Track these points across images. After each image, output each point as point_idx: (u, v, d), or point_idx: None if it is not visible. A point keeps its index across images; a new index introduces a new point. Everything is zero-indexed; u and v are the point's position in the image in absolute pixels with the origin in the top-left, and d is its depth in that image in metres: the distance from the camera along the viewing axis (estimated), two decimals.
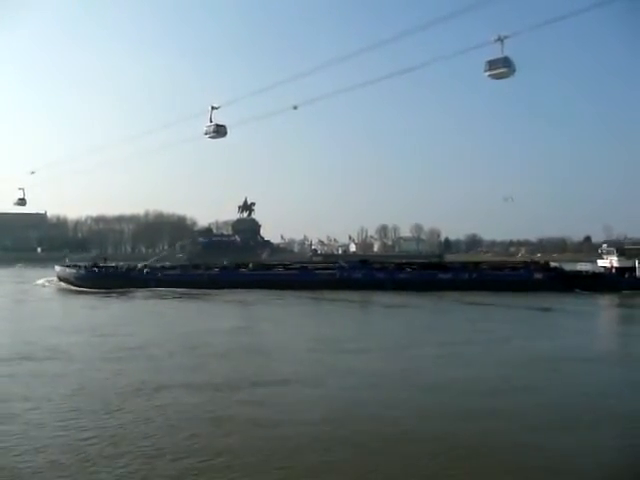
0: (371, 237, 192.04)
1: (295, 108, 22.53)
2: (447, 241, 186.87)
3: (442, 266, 55.59)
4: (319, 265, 58.55)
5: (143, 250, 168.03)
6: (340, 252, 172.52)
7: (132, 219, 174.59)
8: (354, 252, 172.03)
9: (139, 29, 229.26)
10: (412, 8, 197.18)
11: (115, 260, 72.18)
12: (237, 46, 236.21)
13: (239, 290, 47.13)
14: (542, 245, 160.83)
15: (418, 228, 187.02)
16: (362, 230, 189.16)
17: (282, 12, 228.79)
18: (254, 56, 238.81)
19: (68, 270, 58.47)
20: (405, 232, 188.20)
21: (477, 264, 56.61)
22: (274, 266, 58.48)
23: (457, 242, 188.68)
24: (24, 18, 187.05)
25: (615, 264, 52.10)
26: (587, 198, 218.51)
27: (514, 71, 15.64)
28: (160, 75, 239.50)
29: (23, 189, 43.15)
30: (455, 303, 40.44)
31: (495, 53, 15.35)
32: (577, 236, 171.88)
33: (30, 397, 14.19)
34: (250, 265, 58.41)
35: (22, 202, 43.54)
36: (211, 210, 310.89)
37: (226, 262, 59.38)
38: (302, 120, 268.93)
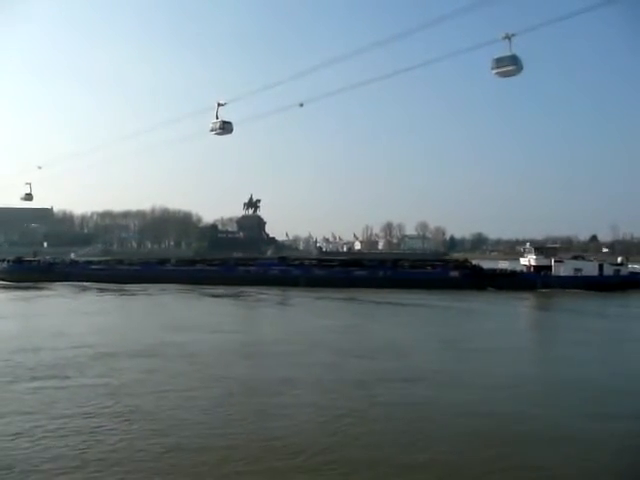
0: (376, 235, 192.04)
1: (301, 105, 22.51)
2: (452, 239, 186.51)
3: (359, 263, 56.61)
4: (240, 261, 61.29)
5: (149, 246, 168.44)
6: (345, 250, 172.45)
7: (138, 215, 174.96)
8: (359, 250, 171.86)
9: (146, 25, 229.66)
10: (418, 5, 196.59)
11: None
12: (244, 43, 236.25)
13: (161, 285, 48.78)
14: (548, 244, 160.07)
15: (423, 226, 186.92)
16: (367, 228, 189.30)
17: (289, 9, 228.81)
18: (261, 53, 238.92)
19: None
20: (410, 230, 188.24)
21: (396, 262, 57.07)
22: (196, 262, 61.04)
23: (462, 240, 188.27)
24: (31, 14, 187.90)
25: (533, 263, 52.26)
26: (594, 197, 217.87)
27: (521, 69, 15.53)
28: (167, 71, 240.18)
29: (30, 184, 43.47)
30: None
31: (499, 51, 15.30)
32: (584, 235, 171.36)
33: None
34: (172, 260, 61.00)
35: (29, 197, 43.81)
36: (216, 207, 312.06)
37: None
38: (307, 117, 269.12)
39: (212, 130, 22.71)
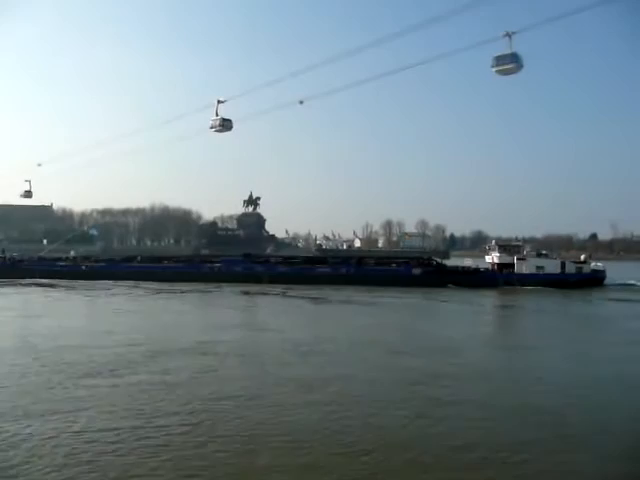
0: (376, 233, 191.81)
1: (301, 103, 22.53)
2: (452, 237, 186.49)
3: (322, 260, 57.34)
4: (206, 259, 61.78)
5: (148, 243, 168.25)
6: (345, 247, 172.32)
7: (138, 212, 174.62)
8: (359, 247, 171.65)
9: (147, 23, 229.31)
10: (418, 4, 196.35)
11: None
12: (244, 41, 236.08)
13: (127, 282, 49.17)
14: (548, 242, 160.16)
15: (423, 224, 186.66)
16: (367, 225, 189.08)
17: (289, 7, 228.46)
18: (261, 51, 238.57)
19: None
20: (410, 228, 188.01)
21: (361, 259, 57.77)
22: (162, 259, 61.31)
23: (462, 238, 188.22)
24: (30, 12, 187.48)
25: (496, 260, 52.75)
26: (594, 196, 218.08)
27: (521, 67, 15.51)
28: (167, 69, 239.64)
29: (30, 181, 43.54)
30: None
31: (498, 50, 15.29)
32: (584, 233, 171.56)
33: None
34: (138, 258, 60.90)
35: (28, 194, 43.89)
36: (216, 204, 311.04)
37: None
38: (308, 115, 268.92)
39: (212, 127, 22.73)
